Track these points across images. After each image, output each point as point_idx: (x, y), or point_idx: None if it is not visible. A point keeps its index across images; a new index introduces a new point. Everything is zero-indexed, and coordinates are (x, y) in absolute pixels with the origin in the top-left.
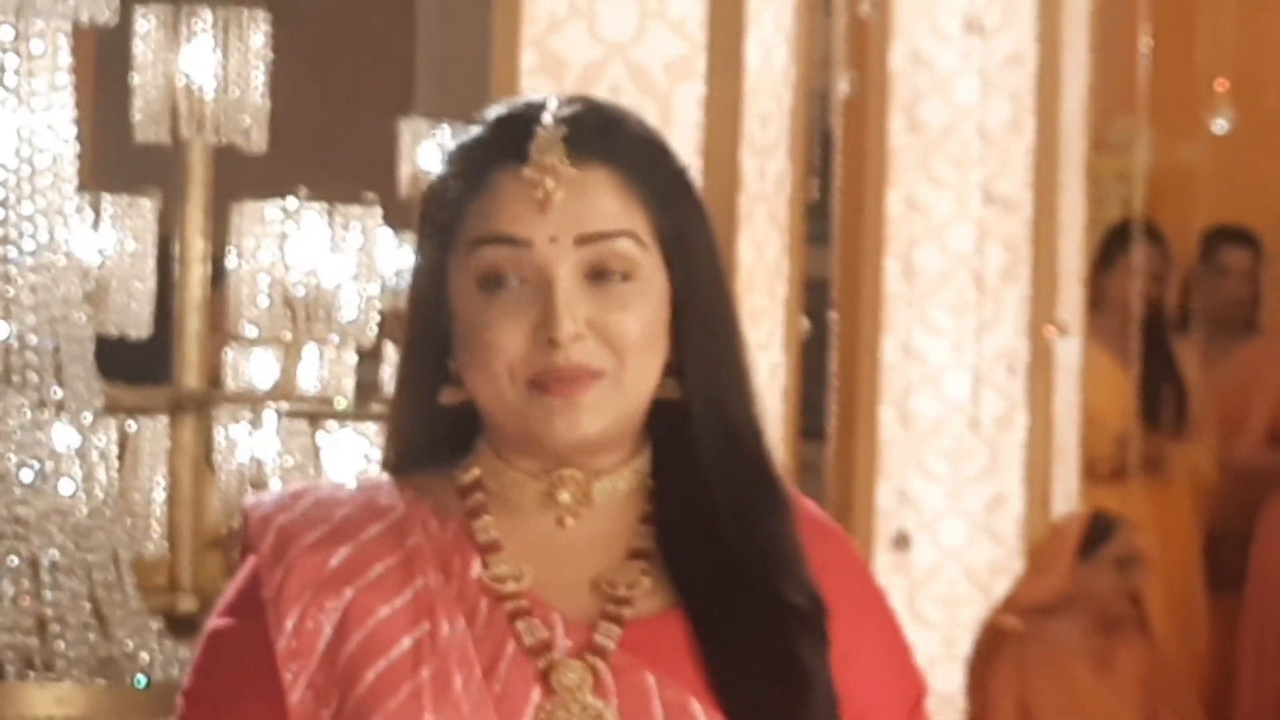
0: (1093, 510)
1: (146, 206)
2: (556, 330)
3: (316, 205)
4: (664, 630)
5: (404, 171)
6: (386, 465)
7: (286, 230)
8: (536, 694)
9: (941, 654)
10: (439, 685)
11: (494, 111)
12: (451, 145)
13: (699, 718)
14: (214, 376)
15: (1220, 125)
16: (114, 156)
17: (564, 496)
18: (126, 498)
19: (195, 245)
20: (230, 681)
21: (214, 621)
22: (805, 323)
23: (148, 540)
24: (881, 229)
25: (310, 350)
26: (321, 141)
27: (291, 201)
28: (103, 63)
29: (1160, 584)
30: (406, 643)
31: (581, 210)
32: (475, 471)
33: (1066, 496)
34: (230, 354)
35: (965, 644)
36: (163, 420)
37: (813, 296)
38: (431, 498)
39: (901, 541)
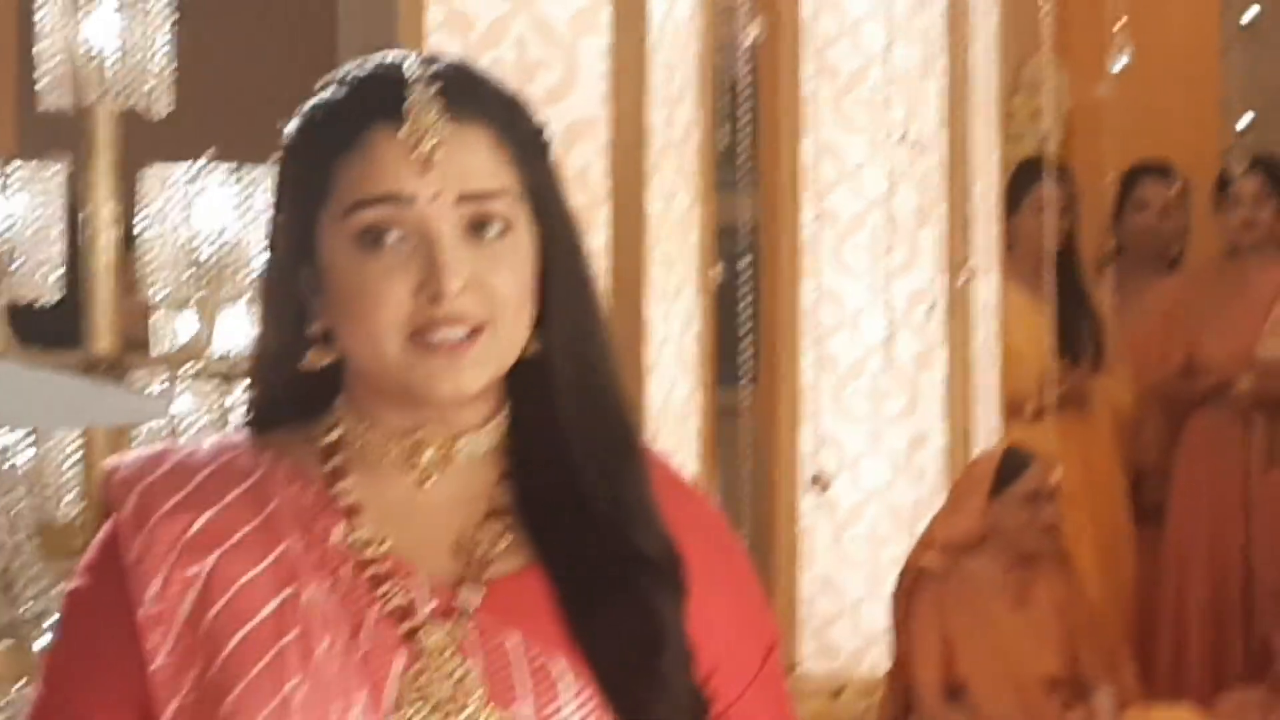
0: (1006, 447)
1: (54, 172)
2: (442, 288)
3: (222, 167)
4: (525, 588)
5: None
6: (248, 422)
7: (192, 193)
8: (402, 657)
9: (867, 593)
10: (302, 650)
11: (353, 72)
12: (308, 106)
13: (563, 675)
14: (134, 339)
15: (1120, 62)
16: (45, 122)
17: (426, 455)
18: (39, 463)
19: (103, 210)
20: (91, 644)
21: (75, 582)
22: (718, 270)
23: (59, 506)
24: (796, 174)
25: (234, 311)
26: (246, 103)
27: (196, 164)
28: (25, 30)
29: (1086, 518)
30: (269, 608)
31: (461, 168)
32: (336, 432)
33: (988, 434)
34: (156, 316)
35: (890, 583)
36: None
37: (725, 243)
38: (291, 458)
39: (819, 481)
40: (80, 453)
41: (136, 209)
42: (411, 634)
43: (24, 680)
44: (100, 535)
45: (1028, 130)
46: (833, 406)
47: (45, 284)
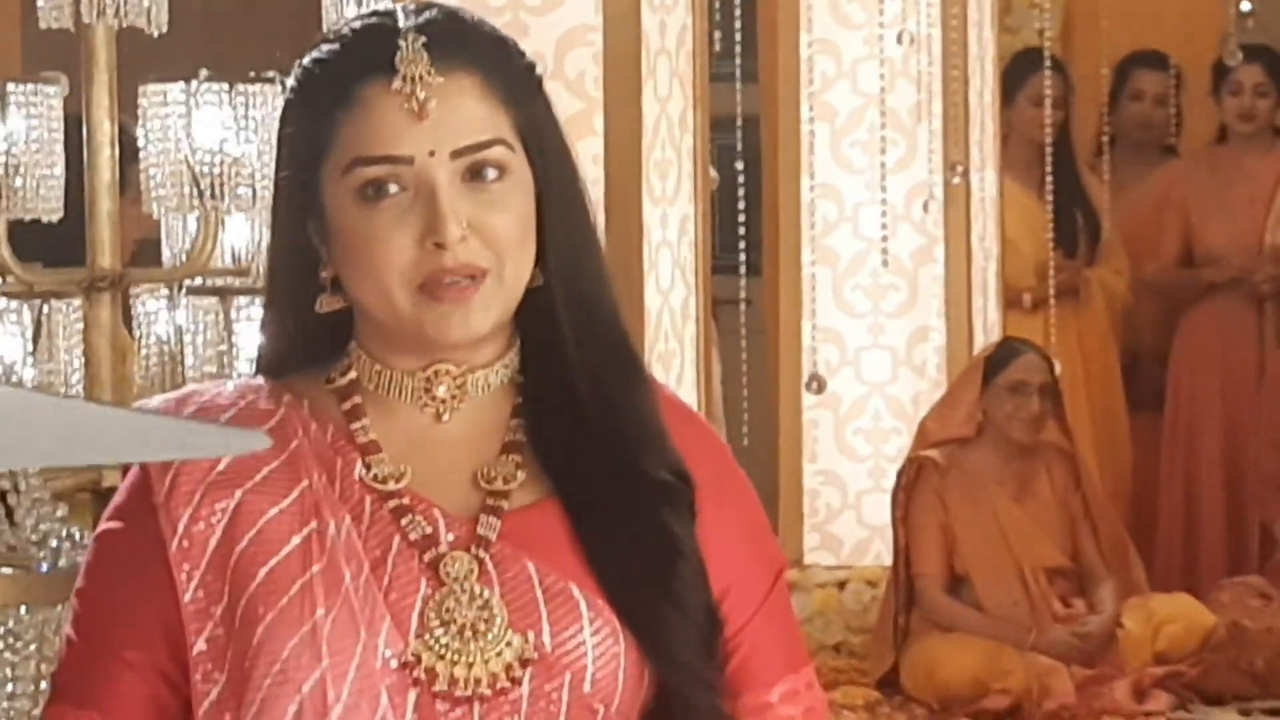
0: (1001, 340)
1: (52, 93)
2: (444, 235)
3: (217, 85)
4: (541, 519)
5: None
6: (262, 369)
7: (190, 110)
8: (424, 585)
9: (870, 486)
10: (329, 580)
11: (347, 26)
12: (306, 62)
13: (579, 601)
14: (139, 250)
15: None
16: (49, 38)
17: (440, 390)
18: (43, 380)
19: (103, 128)
20: (123, 582)
21: (105, 524)
22: (713, 174)
23: None
24: (794, 73)
25: (236, 223)
26: (252, 9)
27: (193, 84)
28: None
29: (1083, 406)
30: (295, 541)
31: (454, 120)
32: (351, 374)
33: (987, 327)
34: (165, 223)
35: (892, 476)
36: (75, 301)
37: (724, 133)
38: (309, 400)
39: (815, 383)
40: (83, 369)
41: (138, 126)
42: (435, 563)
43: (25, 606)
44: (128, 478)
45: (1026, 20)
46: (833, 301)
47: (46, 202)
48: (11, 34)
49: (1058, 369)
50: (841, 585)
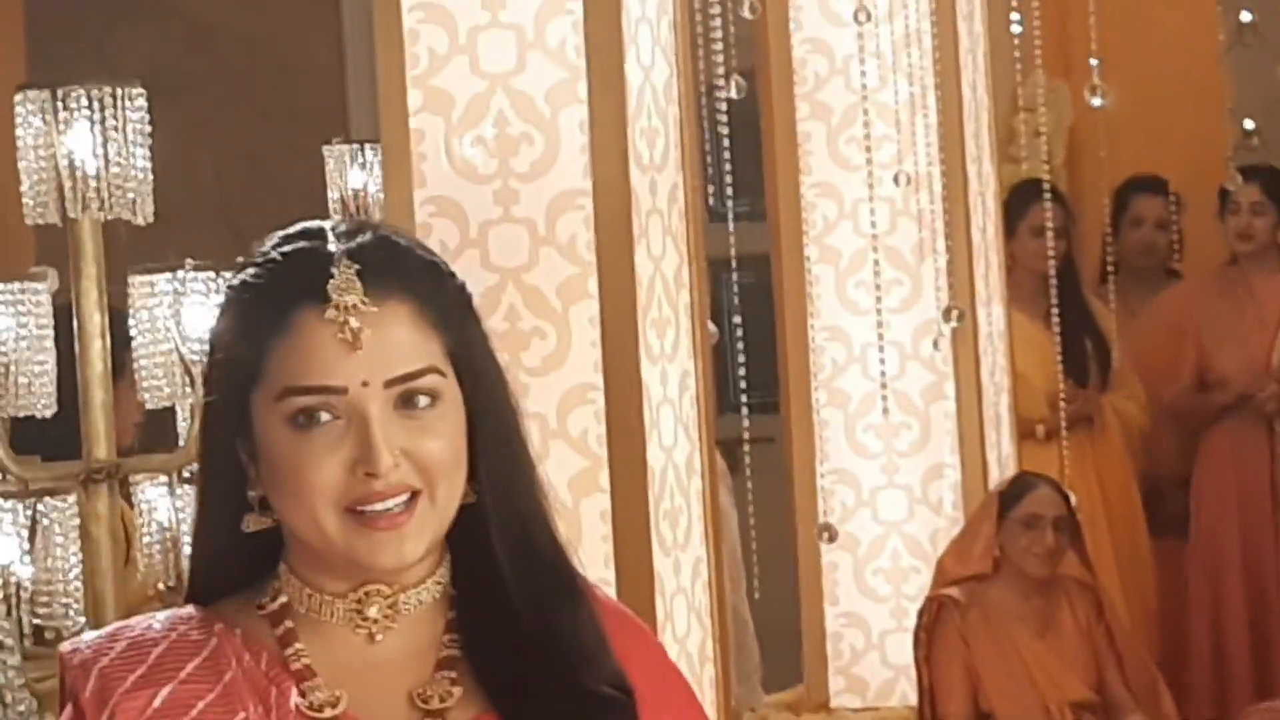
0: (1015, 475)
1: (39, 289)
2: (376, 465)
3: (203, 274)
4: None
5: (332, 197)
6: (192, 594)
7: (178, 299)
8: None
9: (892, 626)
10: None
11: (278, 247)
12: (235, 284)
13: None
14: (141, 432)
15: (1097, 101)
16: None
17: (372, 611)
18: (42, 577)
19: (93, 320)
20: None
21: None
22: (712, 329)
23: (67, 616)
24: (795, 215)
25: None
26: (269, 173)
27: (179, 273)
28: None
29: (1105, 535)
30: None
31: (387, 349)
32: (282, 598)
33: (1002, 461)
34: (179, 410)
35: (914, 615)
36: (70, 497)
37: (722, 273)
38: (241, 628)
39: (826, 534)
40: (80, 565)
41: (128, 315)
42: None
43: None
44: (64, 716)
45: (1030, 149)
46: (846, 443)
47: (39, 398)
48: (25, 227)
49: (1073, 500)
50: None
